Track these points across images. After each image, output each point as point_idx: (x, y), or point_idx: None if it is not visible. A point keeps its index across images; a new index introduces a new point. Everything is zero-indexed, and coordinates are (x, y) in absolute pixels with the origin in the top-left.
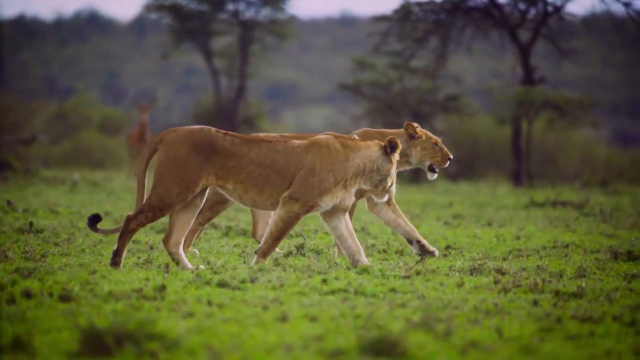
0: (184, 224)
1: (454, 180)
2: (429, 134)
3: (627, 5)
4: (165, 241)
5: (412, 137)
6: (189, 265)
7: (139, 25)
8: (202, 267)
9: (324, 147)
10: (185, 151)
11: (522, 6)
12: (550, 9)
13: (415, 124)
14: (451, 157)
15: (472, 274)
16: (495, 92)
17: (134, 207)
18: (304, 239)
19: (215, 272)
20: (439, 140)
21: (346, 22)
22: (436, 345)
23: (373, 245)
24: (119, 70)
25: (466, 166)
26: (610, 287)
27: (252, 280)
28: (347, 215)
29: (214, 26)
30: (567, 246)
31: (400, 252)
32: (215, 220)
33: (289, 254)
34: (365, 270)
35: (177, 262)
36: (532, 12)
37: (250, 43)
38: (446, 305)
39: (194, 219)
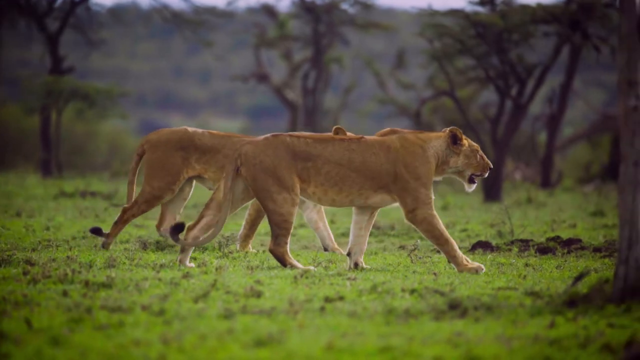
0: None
1: None
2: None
3: None
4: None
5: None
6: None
7: None
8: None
9: (400, 148)
10: (269, 160)
11: None
12: None
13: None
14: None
15: (0, 266)
16: (24, 81)
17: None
18: None
19: None
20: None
21: None
22: None
23: None
24: None
25: None
26: (139, 277)
27: None
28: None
29: None
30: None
31: None
32: None
33: None
34: None
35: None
36: (60, 1)
37: None
38: None
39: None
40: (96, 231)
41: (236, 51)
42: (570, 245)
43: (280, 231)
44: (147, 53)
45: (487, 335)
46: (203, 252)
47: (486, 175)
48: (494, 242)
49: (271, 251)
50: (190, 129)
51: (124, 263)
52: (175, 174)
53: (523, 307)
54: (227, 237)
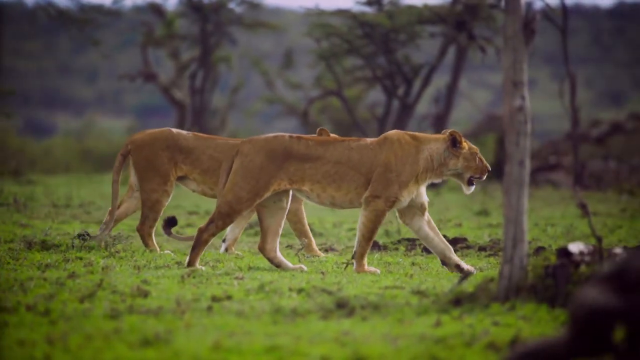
0: (276, 229)
1: None
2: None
3: None
4: (262, 248)
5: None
6: (291, 266)
7: None
8: (304, 267)
9: (396, 142)
10: (259, 160)
11: None
12: None
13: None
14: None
15: None
16: None
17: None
18: None
19: None
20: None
21: None
22: None
23: None
24: None
25: None
26: (24, 277)
27: None
28: (427, 214)
29: None
30: None
31: None
32: None
33: None
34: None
35: (279, 265)
36: None
37: None
38: None
39: (284, 220)
40: (82, 235)
41: (123, 50)
42: (456, 244)
43: (218, 221)
44: (32, 51)
45: (374, 334)
46: (89, 252)
47: (484, 177)
48: (381, 241)
49: (199, 231)
50: (174, 130)
51: (9, 263)
52: (165, 174)
53: (409, 305)
54: (114, 236)
